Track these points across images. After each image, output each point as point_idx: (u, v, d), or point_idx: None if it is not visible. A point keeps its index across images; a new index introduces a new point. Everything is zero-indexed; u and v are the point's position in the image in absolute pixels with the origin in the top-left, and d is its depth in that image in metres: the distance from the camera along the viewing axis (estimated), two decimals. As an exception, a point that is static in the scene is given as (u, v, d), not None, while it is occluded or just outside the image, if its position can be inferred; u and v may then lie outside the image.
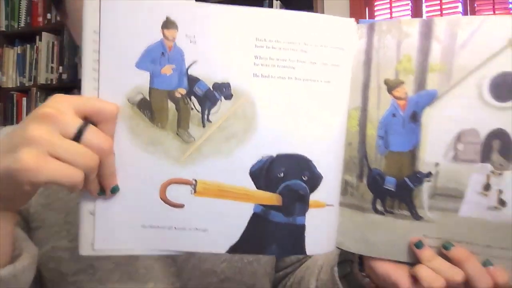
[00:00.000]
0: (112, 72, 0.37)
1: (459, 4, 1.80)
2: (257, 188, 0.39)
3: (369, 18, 1.95)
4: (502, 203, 0.38)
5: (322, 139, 0.40)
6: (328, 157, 0.41)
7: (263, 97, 0.38)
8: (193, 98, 0.38)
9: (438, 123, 0.39)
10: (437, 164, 0.40)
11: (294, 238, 0.41)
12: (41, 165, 0.30)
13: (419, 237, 0.40)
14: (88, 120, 0.34)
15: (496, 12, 1.75)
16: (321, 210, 0.41)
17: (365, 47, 0.40)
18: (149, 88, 0.38)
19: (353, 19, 0.40)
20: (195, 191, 0.39)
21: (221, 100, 0.38)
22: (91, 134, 0.33)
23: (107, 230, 0.39)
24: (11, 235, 0.38)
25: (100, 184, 0.37)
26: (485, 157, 0.38)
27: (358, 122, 0.41)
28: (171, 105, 0.38)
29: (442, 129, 0.39)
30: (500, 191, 0.38)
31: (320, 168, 0.40)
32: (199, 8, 0.37)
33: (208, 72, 0.37)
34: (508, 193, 0.38)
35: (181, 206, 0.39)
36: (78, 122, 0.33)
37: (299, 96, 0.38)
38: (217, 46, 0.37)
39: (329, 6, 1.93)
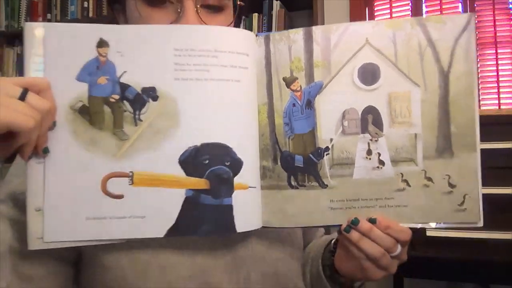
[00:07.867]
0: (56, 85, 0.43)
1: (459, 4, 1.76)
2: (187, 175, 0.46)
3: (369, 18, 1.86)
4: (381, 163, 0.48)
5: (239, 129, 0.48)
6: (246, 145, 0.48)
7: (184, 97, 0.46)
8: (125, 101, 0.45)
9: (327, 107, 0.49)
10: (331, 140, 0.50)
11: (224, 218, 0.46)
12: None
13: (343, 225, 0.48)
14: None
15: (496, 12, 1.69)
16: (245, 192, 0.47)
17: (265, 53, 0.51)
18: (88, 96, 0.45)
19: (252, 32, 0.50)
20: (132, 182, 0.45)
21: (149, 102, 0.45)
22: (32, 96, 0.40)
23: (55, 224, 0.44)
24: None
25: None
26: (364, 128, 0.49)
27: (267, 115, 0.51)
28: (107, 109, 0.45)
29: (330, 111, 0.49)
30: (379, 154, 0.48)
31: (240, 154, 0.48)
32: (126, 29, 0.45)
33: (136, 79, 0.45)
34: (385, 154, 0.48)
35: (120, 196, 0.45)
36: (20, 89, 0.39)
37: (214, 94, 0.47)
38: (142, 58, 0.45)
39: (329, 6, 1.86)
